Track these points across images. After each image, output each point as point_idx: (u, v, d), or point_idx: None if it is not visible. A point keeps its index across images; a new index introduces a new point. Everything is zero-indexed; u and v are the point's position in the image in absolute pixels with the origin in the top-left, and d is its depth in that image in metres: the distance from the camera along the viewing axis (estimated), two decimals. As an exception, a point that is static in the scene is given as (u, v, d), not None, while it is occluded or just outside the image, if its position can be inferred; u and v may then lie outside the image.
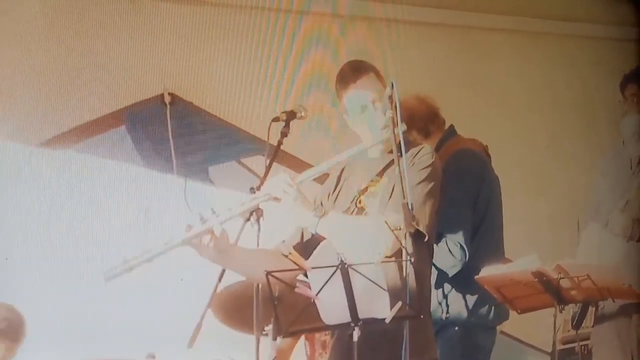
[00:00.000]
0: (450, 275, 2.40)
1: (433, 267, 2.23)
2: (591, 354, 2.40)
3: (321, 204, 2.12)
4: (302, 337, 2.45)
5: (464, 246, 2.36)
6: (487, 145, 2.57)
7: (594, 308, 2.36)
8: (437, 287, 2.39)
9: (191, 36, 3.07)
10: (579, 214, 2.54)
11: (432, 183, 2.01)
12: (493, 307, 2.43)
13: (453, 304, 2.41)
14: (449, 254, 2.36)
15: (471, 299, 2.43)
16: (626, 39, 3.44)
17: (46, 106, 2.94)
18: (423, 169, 2.02)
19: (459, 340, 2.34)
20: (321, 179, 2.13)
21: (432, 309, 2.26)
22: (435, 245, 2.23)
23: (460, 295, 2.43)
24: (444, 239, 2.37)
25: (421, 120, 2.51)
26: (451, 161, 2.43)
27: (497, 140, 2.75)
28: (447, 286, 2.43)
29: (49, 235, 2.86)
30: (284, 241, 2.11)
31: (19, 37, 2.92)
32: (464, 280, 2.42)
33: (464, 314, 2.41)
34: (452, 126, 2.58)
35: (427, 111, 2.53)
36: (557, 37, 3.47)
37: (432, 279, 2.24)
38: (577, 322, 2.37)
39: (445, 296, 2.41)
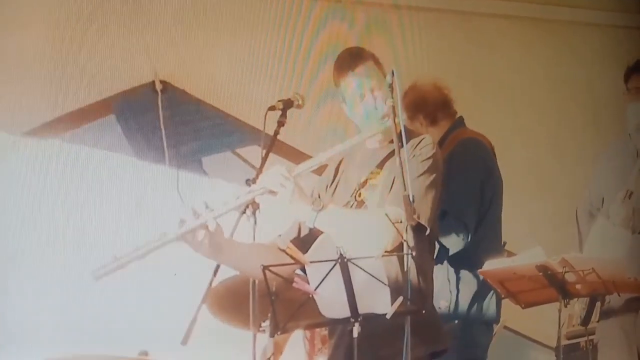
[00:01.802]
0: (450, 254, 2.43)
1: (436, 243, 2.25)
2: (597, 349, 2.41)
3: (319, 196, 2.11)
4: (301, 331, 2.44)
5: (468, 225, 2.38)
6: (494, 147, 2.61)
7: (599, 303, 2.37)
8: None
9: (184, 21, 3.04)
10: (578, 206, 2.56)
11: (434, 175, 2.02)
12: (494, 301, 2.47)
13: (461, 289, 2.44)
14: (452, 231, 2.38)
15: (471, 292, 2.45)
16: (630, 27, 3.44)
17: (32, 93, 2.91)
18: (424, 160, 2.03)
19: (458, 334, 2.36)
20: (319, 170, 2.12)
21: (438, 290, 2.28)
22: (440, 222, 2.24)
23: (463, 288, 2.45)
24: (447, 217, 2.39)
25: (431, 106, 2.57)
26: (459, 147, 2.51)
27: (498, 132, 2.76)
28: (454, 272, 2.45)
29: (36, 228, 2.83)
30: (280, 235, 2.09)
31: (5, 25, 2.88)
32: (467, 272, 2.45)
33: (465, 307, 2.43)
34: (461, 117, 2.63)
35: (439, 99, 2.59)
36: (560, 24, 3.47)
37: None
38: (585, 318, 2.38)
39: (458, 278, 2.42)
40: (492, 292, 2.46)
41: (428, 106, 2.57)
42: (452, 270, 2.48)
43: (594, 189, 2.54)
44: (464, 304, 2.46)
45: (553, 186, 3.35)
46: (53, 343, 2.67)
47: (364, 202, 2.06)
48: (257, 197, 1.94)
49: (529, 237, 2.91)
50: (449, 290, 2.45)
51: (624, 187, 2.39)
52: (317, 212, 1.94)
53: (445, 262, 2.49)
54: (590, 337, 2.45)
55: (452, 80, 2.76)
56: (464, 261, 2.48)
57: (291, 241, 2.05)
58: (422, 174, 2.00)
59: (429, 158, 2.01)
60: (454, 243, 2.42)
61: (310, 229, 2.00)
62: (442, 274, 2.46)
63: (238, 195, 1.93)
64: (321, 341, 2.46)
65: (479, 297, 2.47)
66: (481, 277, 2.41)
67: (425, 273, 1.97)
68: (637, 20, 3.42)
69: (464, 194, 2.45)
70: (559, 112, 3.45)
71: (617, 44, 3.42)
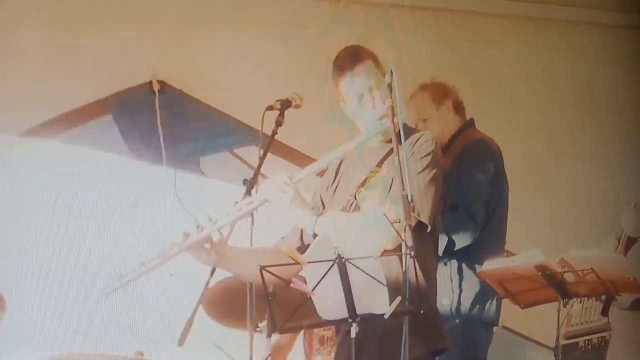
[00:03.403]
0: (455, 248, 2.46)
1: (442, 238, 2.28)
2: (594, 349, 2.44)
3: (320, 199, 2.12)
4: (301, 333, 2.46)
5: (477, 220, 2.40)
6: (501, 152, 2.66)
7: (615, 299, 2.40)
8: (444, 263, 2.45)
9: (182, 21, 3.05)
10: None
11: (434, 171, 2.03)
12: (495, 303, 2.50)
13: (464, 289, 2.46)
14: (461, 224, 2.44)
15: (474, 292, 2.46)
16: (631, 26, 3.45)
17: (29, 94, 2.91)
18: (424, 157, 2.03)
19: (459, 333, 2.38)
20: (320, 172, 2.13)
21: (441, 288, 2.31)
22: (449, 214, 2.28)
23: (466, 287, 2.47)
24: (458, 210, 2.44)
25: (455, 96, 2.65)
26: (470, 146, 2.57)
27: (498, 131, 2.78)
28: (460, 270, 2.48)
29: (33, 229, 2.84)
30: (283, 237, 2.11)
31: (1, 25, 2.89)
32: (471, 272, 2.47)
33: (467, 306, 2.45)
34: (472, 119, 2.70)
35: (455, 97, 2.68)
36: (560, 24, 3.48)
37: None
38: (604, 309, 2.41)
39: (461, 277, 2.44)
40: (493, 296, 2.48)
41: (453, 94, 2.65)
42: (455, 269, 2.50)
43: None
44: (466, 303, 2.48)
45: (553, 185, 3.37)
46: (50, 343, 2.68)
47: (364, 201, 2.07)
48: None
49: (529, 237, 2.92)
50: (451, 289, 2.47)
51: (635, 195, 2.43)
52: (317, 217, 1.95)
53: (449, 260, 2.51)
54: (589, 337, 2.47)
55: (452, 78, 2.77)
56: (467, 261, 2.50)
57: (297, 249, 2.06)
58: (422, 171, 2.00)
59: (428, 154, 2.02)
60: (462, 237, 2.45)
61: (313, 236, 2.01)
62: (445, 272, 2.48)
63: (240, 207, 1.95)
64: (319, 342, 2.47)
65: (480, 297, 2.49)
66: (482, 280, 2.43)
67: (427, 272, 1.99)
68: (637, 20, 3.43)
69: (474, 191, 2.50)
70: (559, 111, 3.47)
71: (618, 43, 3.43)
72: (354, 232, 1.95)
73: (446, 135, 2.61)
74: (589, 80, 3.46)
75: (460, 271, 2.51)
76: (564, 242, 2.68)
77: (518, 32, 3.44)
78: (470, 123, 2.68)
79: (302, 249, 2.06)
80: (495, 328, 2.58)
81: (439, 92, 2.64)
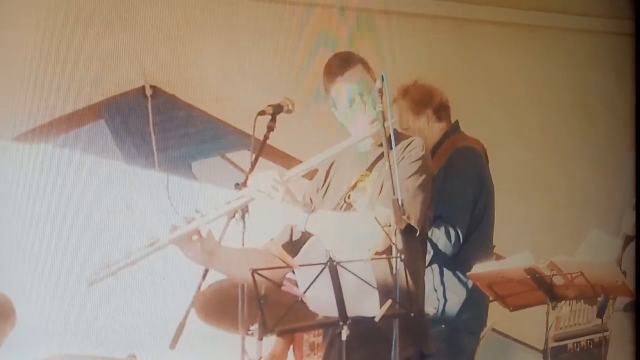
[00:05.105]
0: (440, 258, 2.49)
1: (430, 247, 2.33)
2: (583, 351, 2.49)
3: (310, 200, 2.17)
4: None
5: (459, 232, 2.43)
6: (486, 149, 2.67)
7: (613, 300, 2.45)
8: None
9: (174, 26, 3.09)
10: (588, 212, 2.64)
11: (423, 176, 2.07)
12: (477, 311, 2.52)
13: (449, 298, 2.49)
14: (444, 235, 2.45)
15: (460, 301, 2.49)
16: (621, 33, 3.52)
17: (21, 98, 2.95)
18: (413, 162, 2.08)
19: (445, 339, 2.41)
20: (309, 174, 2.18)
21: (426, 296, 2.33)
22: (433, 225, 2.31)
23: (451, 296, 2.51)
24: (440, 221, 2.46)
25: (437, 102, 2.64)
26: (455, 156, 2.58)
27: (492, 135, 2.82)
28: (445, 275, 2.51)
29: (26, 233, 2.87)
30: (272, 239, 2.15)
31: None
32: (456, 281, 2.50)
33: (454, 312, 2.47)
34: (457, 122, 2.70)
35: (441, 99, 2.66)
36: (553, 30, 3.54)
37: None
38: (600, 311, 2.45)
39: (442, 283, 2.47)
40: (474, 307, 2.50)
41: (434, 102, 2.64)
42: (438, 278, 2.54)
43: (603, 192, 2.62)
44: (451, 312, 2.50)
45: (547, 189, 3.42)
46: (41, 346, 2.70)
47: (353, 205, 2.11)
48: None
49: (522, 240, 2.97)
50: (436, 298, 2.50)
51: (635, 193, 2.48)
52: (308, 215, 2.00)
53: (434, 269, 2.54)
54: (578, 339, 2.52)
55: (445, 85, 2.82)
56: (454, 268, 2.53)
57: (283, 245, 2.10)
58: (411, 175, 2.05)
59: (418, 159, 2.07)
60: (443, 248, 2.48)
61: (302, 233, 2.05)
62: (429, 281, 2.51)
63: (229, 200, 1.99)
64: (309, 348, 2.50)
65: (466, 307, 2.51)
66: (469, 286, 2.46)
67: (416, 275, 2.03)
68: (627, 27, 3.50)
69: (458, 203, 2.51)
70: (553, 116, 3.52)
71: (610, 49, 3.50)
72: (345, 231, 1.99)
73: (428, 146, 2.62)
74: (582, 85, 3.51)
75: (443, 281, 2.52)
76: (557, 245, 2.72)
77: (512, 39, 3.49)
78: (455, 127, 2.66)
79: (290, 246, 2.10)
80: (483, 332, 2.60)
81: (418, 100, 2.62)
